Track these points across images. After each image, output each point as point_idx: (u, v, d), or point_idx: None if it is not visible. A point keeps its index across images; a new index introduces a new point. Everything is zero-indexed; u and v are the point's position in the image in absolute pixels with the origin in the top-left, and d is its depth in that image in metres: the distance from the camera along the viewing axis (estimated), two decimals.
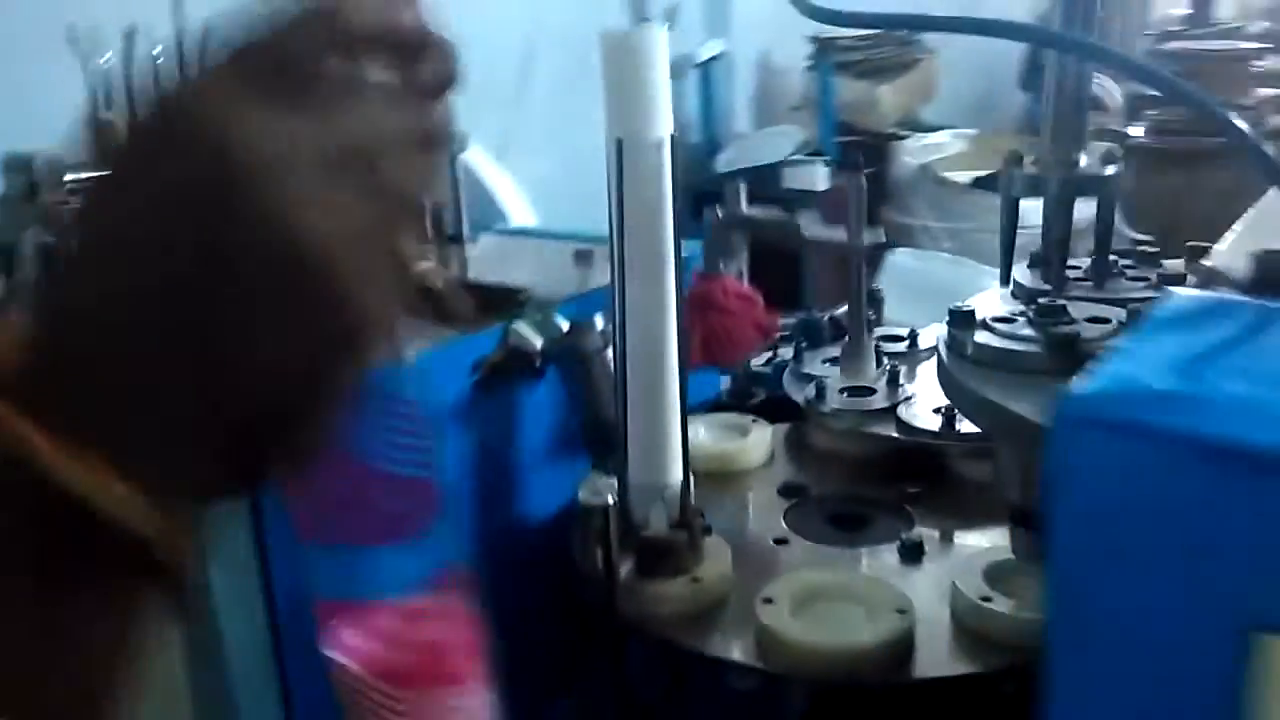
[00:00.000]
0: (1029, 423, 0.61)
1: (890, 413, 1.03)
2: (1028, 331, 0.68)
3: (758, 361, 1.33)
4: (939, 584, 0.82)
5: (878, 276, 1.40)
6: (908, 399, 1.04)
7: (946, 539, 0.91)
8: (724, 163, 3.38)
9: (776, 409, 1.16)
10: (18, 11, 2.05)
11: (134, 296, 0.31)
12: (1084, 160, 0.72)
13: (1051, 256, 0.73)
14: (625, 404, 0.80)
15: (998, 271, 2.94)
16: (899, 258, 2.51)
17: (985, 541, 0.88)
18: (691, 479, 0.83)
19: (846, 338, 1.24)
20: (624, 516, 0.80)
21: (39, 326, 0.32)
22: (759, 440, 1.06)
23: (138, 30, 1.38)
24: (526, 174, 2.35)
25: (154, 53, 1.36)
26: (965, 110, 4.17)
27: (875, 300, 1.33)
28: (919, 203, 3.23)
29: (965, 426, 0.97)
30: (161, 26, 1.36)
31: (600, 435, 0.97)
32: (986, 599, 0.74)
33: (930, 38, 3.76)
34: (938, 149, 3.42)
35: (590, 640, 0.83)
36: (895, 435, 1.01)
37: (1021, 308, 0.74)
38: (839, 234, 1.12)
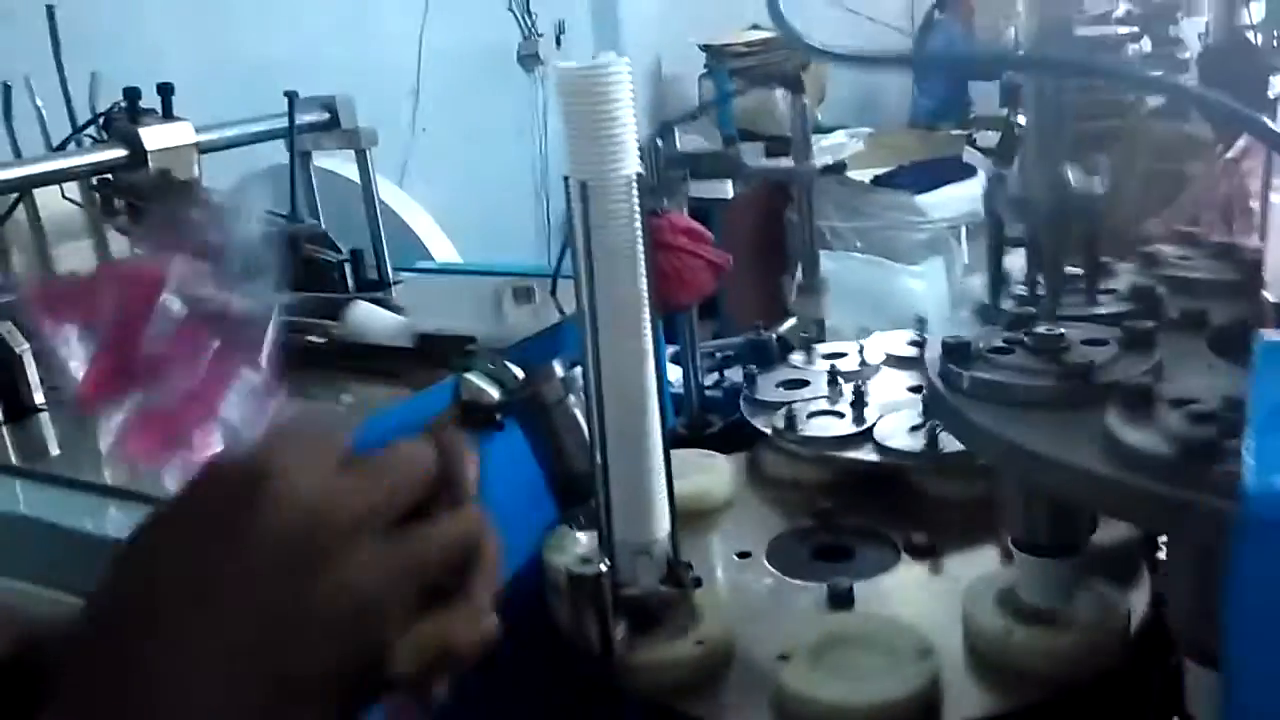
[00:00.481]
0: (1042, 457, 0.58)
1: (865, 436, 1.00)
2: (1031, 363, 0.66)
3: (707, 384, 1.30)
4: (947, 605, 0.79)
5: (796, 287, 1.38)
6: (876, 420, 1.02)
7: (935, 565, 0.88)
8: None
9: (733, 436, 1.13)
10: None
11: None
12: (1071, 177, 0.69)
13: (1051, 284, 0.69)
14: (605, 459, 0.75)
15: (914, 269, 2.96)
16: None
17: (976, 563, 0.86)
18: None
19: (795, 352, 1.22)
20: (611, 577, 0.75)
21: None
22: (722, 475, 1.02)
23: (11, 87, 1.28)
24: (427, 199, 2.27)
25: (38, 104, 1.24)
26: (853, 109, 4.23)
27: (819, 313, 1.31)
28: (824, 204, 3.25)
29: (949, 446, 0.94)
30: (42, 79, 1.26)
31: (569, 488, 0.92)
32: (1010, 630, 0.71)
33: (819, 39, 3.79)
34: (836, 150, 3.44)
35: (586, 710, 0.78)
36: (874, 459, 0.98)
37: (1011, 335, 0.71)
38: (783, 162, 1.12)
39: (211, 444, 0.48)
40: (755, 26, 3.74)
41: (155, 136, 1.06)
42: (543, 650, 0.83)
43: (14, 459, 0.85)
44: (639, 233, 0.72)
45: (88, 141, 1.15)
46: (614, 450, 0.75)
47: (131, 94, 1.07)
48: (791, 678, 0.67)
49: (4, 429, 0.91)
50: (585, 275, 0.73)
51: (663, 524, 0.77)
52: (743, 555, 0.92)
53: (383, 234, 1.31)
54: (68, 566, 0.76)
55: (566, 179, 0.74)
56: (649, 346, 0.74)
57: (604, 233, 0.72)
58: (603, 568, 0.71)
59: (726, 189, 3.31)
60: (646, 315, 0.74)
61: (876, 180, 3.37)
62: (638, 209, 0.72)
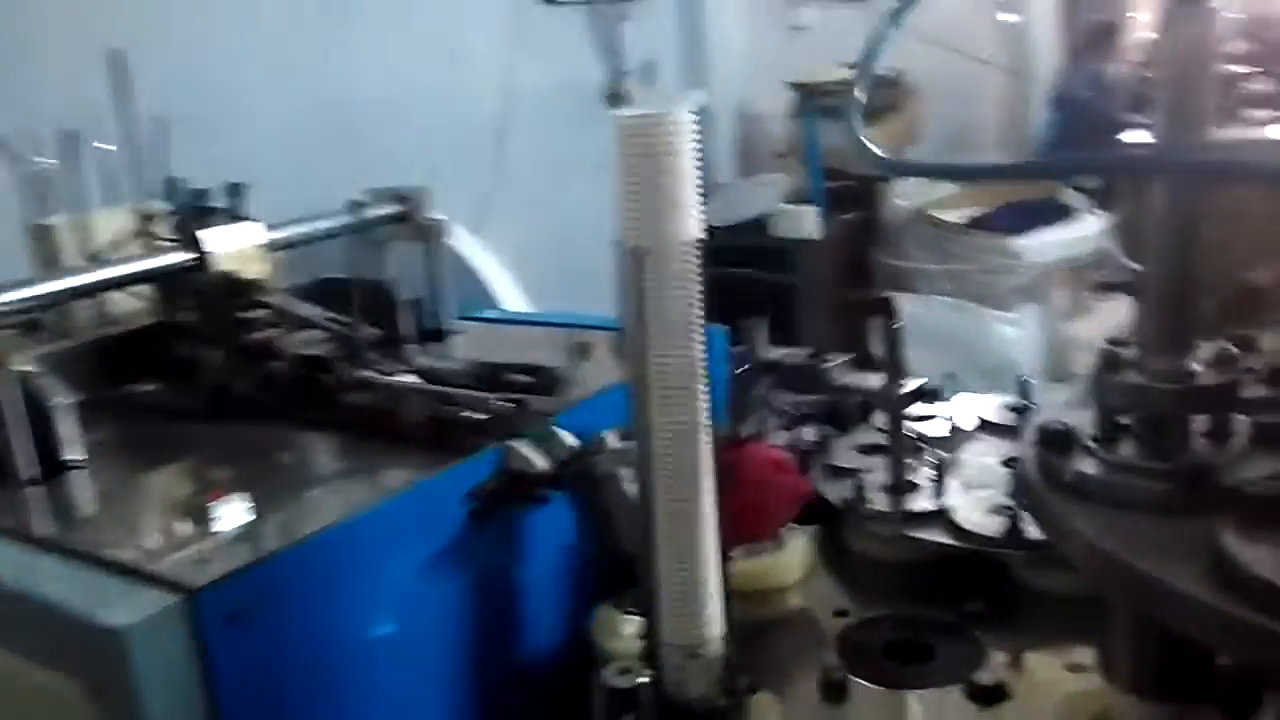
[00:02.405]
0: (1157, 582, 0.49)
1: (940, 515, 0.91)
2: (1140, 461, 0.57)
3: (779, 444, 1.22)
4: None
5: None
6: (956, 497, 0.93)
7: (1019, 670, 0.79)
8: (710, 215, 3.29)
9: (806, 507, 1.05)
10: None
11: None
12: (1195, 367, 0.57)
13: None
14: (653, 550, 0.68)
15: (1004, 315, 2.83)
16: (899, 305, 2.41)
17: (1063, 670, 0.76)
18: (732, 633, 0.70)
19: (877, 419, 1.13)
20: (656, 683, 0.67)
21: None
22: (795, 552, 0.94)
23: (80, 133, 1.28)
24: (506, 244, 2.23)
25: (105, 148, 1.22)
26: (948, 148, 4.10)
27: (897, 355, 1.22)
28: (913, 246, 3.14)
29: (1033, 532, 0.85)
30: (102, 127, 1.26)
31: (618, 569, 0.85)
32: None
33: (912, 76, 3.70)
34: (929, 190, 3.33)
35: None
36: (951, 542, 0.89)
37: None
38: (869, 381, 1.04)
39: None
40: (848, 65, 3.66)
41: (219, 240, 1.04)
42: None
43: (39, 523, 0.82)
44: (697, 300, 0.65)
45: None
46: (664, 537, 0.68)
47: (199, 195, 1.07)
48: None
49: (34, 490, 0.87)
50: (637, 345, 0.66)
51: (715, 625, 0.69)
52: (809, 648, 0.84)
53: (445, 284, 1.27)
54: (59, 647, 0.71)
55: (619, 243, 0.67)
56: (705, 421, 0.66)
57: (661, 299, 0.65)
58: (641, 680, 0.63)
59: (811, 228, 3.23)
60: (703, 387, 0.66)
61: (972, 223, 3.25)
62: (696, 274, 0.65)
